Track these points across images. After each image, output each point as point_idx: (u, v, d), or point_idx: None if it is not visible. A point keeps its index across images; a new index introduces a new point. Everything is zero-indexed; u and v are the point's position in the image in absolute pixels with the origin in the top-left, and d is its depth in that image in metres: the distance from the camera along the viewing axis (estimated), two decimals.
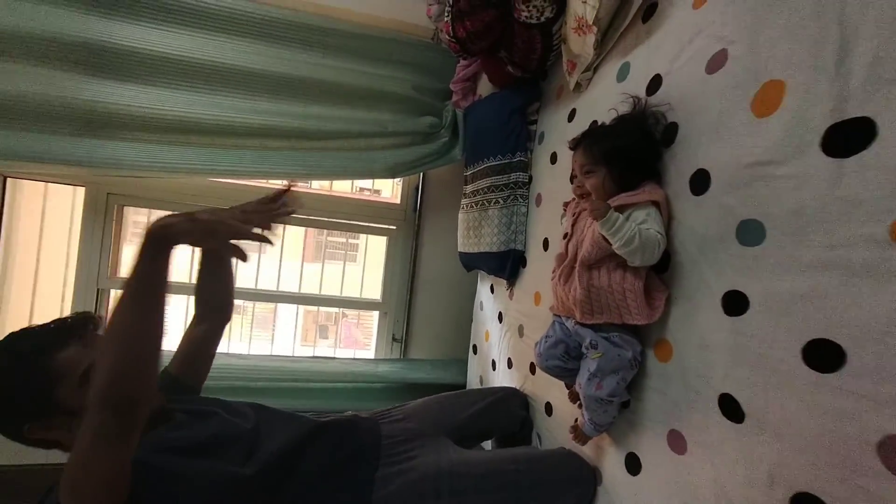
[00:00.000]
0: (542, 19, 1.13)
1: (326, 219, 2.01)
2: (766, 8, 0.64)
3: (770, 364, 0.59)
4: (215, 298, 1.01)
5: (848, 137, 0.53)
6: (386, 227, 2.07)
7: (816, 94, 0.56)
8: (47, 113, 1.49)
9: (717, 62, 0.72)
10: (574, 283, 0.87)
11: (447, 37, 1.40)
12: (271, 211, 0.82)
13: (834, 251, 0.53)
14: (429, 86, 1.91)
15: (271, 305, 2.47)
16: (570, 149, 0.94)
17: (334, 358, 1.95)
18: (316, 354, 2.10)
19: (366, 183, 2.17)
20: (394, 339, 2.04)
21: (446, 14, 1.37)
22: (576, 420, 0.98)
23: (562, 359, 0.93)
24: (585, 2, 0.97)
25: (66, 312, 0.92)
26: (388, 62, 1.86)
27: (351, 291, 2.18)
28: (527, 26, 1.17)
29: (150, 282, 0.65)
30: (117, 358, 0.61)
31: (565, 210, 1.08)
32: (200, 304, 1.01)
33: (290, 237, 2.38)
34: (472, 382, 1.79)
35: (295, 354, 2.08)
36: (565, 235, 0.95)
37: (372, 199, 2.12)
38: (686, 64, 0.80)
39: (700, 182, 0.74)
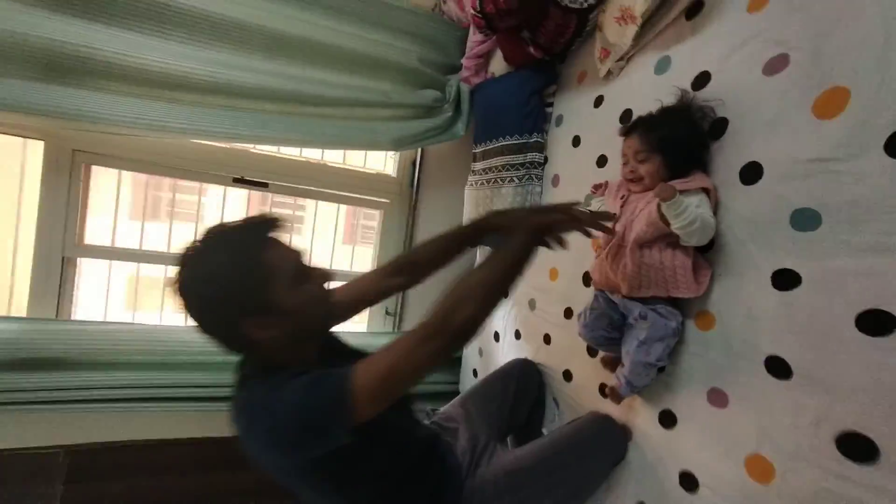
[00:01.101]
0: (586, 5, 1.16)
1: (317, 189, 1.94)
2: (833, 21, 0.73)
3: (822, 329, 0.70)
4: (435, 266, 1.09)
5: None
6: (380, 199, 2.04)
7: (882, 102, 0.66)
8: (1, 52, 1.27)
9: (776, 65, 0.81)
10: (625, 260, 0.95)
11: (472, 11, 1.39)
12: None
13: (890, 237, 0.64)
14: (433, 59, 1.87)
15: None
16: (622, 135, 1.00)
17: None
18: None
19: (357, 158, 2.10)
20: (387, 313, 2.04)
21: None
22: (605, 386, 1.09)
23: (606, 329, 1.02)
24: None
25: (19, 284, 0.83)
26: (392, 30, 1.79)
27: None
28: (566, 10, 1.20)
29: (522, 261, 0.80)
30: (484, 307, 0.73)
31: (595, 192, 1.14)
32: (424, 262, 1.09)
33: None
34: (469, 355, 1.86)
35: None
36: (614, 217, 1.01)
37: (366, 170, 2.06)
38: (740, 64, 0.88)
39: (751, 173, 0.83)
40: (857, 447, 0.65)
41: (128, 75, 1.40)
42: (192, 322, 0.76)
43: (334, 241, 2.22)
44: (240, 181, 1.78)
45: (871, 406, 0.64)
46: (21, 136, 1.54)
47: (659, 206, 0.85)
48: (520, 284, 1.54)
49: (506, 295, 0.80)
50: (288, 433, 0.69)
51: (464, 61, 1.73)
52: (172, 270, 0.75)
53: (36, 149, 1.56)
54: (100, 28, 1.38)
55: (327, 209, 2.12)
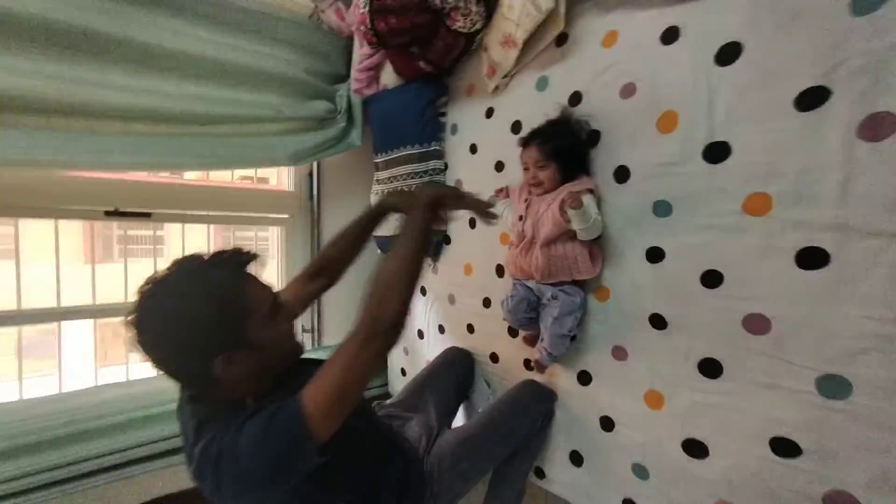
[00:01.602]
0: (472, 30, 1.30)
1: (207, 212, 1.78)
2: (661, 61, 0.98)
3: (681, 288, 0.96)
4: (348, 260, 1.14)
5: (716, 152, 0.91)
6: (278, 216, 1.96)
7: (698, 123, 0.92)
8: None
9: (628, 91, 1.05)
10: (535, 253, 1.14)
11: (364, 27, 1.43)
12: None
13: (712, 218, 0.92)
14: (318, 69, 1.85)
15: (46, 328, 1.84)
16: (520, 146, 1.17)
17: None
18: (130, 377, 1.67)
19: (247, 172, 1.97)
20: (304, 330, 2.00)
21: (363, 5, 1.40)
22: (529, 361, 1.28)
23: (526, 311, 1.20)
24: (518, 24, 1.19)
25: None
26: (273, 40, 1.72)
27: None
28: (455, 33, 1.33)
29: (426, 237, 0.84)
30: (406, 293, 0.77)
31: (497, 195, 1.32)
32: (335, 259, 1.13)
33: (65, 234, 1.82)
34: (394, 356, 1.93)
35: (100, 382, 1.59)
36: (520, 217, 1.19)
37: (261, 187, 1.95)
38: (602, 88, 1.11)
39: (622, 174, 1.07)
40: (710, 368, 0.93)
41: None
42: (149, 358, 0.72)
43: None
44: (114, 214, 1.54)
45: (716, 337, 0.92)
46: None
47: (562, 209, 1.05)
48: (437, 283, 1.68)
49: (420, 272, 0.81)
50: (255, 476, 0.69)
51: (354, 73, 1.76)
52: (131, 306, 0.71)
53: None
54: None
55: (197, 228, 1.93)
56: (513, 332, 1.39)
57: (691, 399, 0.96)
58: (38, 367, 2.57)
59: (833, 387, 0.78)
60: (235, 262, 0.77)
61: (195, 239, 1.98)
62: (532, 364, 1.26)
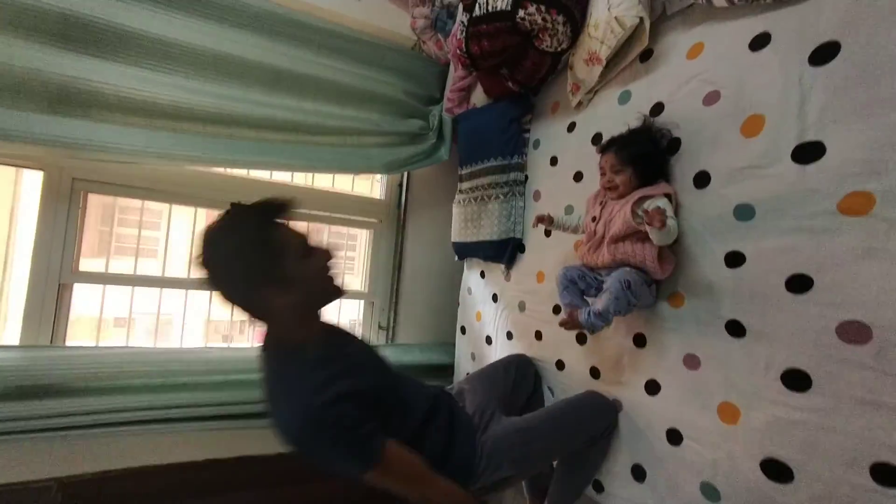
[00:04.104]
0: (559, 49, 1.40)
1: (310, 211, 2.04)
2: (748, 68, 0.99)
3: (763, 293, 0.92)
4: None
5: (807, 152, 0.88)
6: (368, 220, 2.17)
7: (787, 124, 0.90)
8: (13, 86, 1.33)
9: (712, 98, 1.06)
10: (602, 251, 1.16)
11: (459, 51, 1.61)
12: None
13: (801, 220, 0.87)
14: (415, 91, 2.08)
15: (168, 319, 2.24)
16: (599, 152, 1.21)
17: None
18: None
19: (345, 183, 2.23)
20: (380, 327, 2.14)
21: (460, 32, 1.57)
22: (596, 369, 1.26)
23: (576, 282, 1.21)
24: (602, 42, 1.26)
25: (8, 311, 0.84)
26: (379, 66, 1.98)
27: None
28: (543, 53, 1.44)
29: None
30: None
31: (536, 223, 1.36)
32: None
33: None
34: (462, 360, 1.98)
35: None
36: (594, 218, 1.22)
37: (354, 193, 2.19)
38: (684, 97, 1.13)
39: (702, 179, 1.06)
40: (796, 380, 0.86)
41: (136, 108, 1.49)
42: (215, 292, 0.87)
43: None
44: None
45: (803, 346, 0.85)
46: (18, 167, 1.55)
47: (634, 210, 1.06)
48: (508, 290, 1.73)
49: None
50: (315, 457, 0.84)
51: (447, 94, 1.94)
52: (196, 247, 0.87)
53: (30, 178, 1.57)
54: (110, 64, 1.46)
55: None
56: (581, 339, 1.38)
57: (773, 414, 0.89)
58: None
59: None
60: (270, 208, 0.89)
61: None
62: (561, 321, 1.20)
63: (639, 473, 1.14)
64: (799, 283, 0.87)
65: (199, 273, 0.85)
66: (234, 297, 0.87)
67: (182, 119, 1.56)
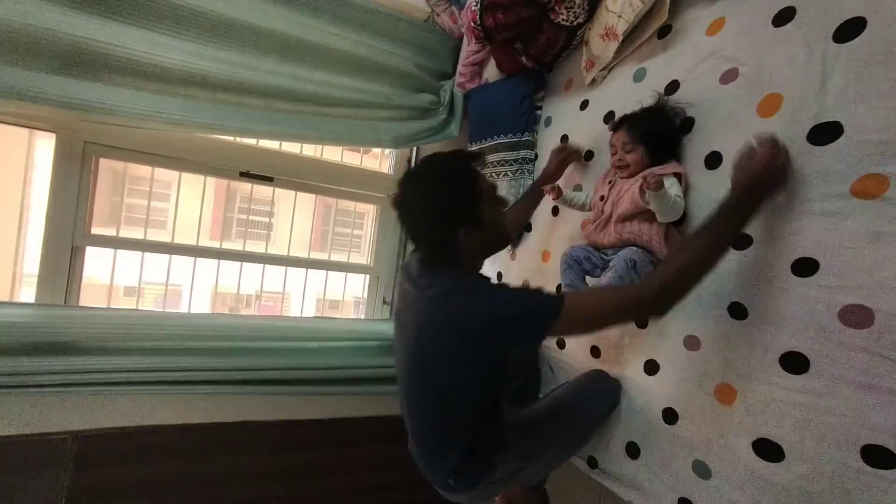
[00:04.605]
0: (575, 23, 1.37)
1: (318, 183, 2.05)
2: (769, 44, 0.96)
3: (768, 276, 0.91)
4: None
5: (824, 133, 0.86)
6: (376, 194, 2.17)
7: (806, 104, 0.88)
8: (25, 45, 1.33)
9: (729, 77, 1.03)
10: (609, 230, 1.15)
11: (473, 24, 1.57)
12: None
13: (812, 203, 0.86)
14: (427, 65, 2.04)
15: (176, 290, 2.28)
16: (611, 130, 1.20)
17: (335, 318, 2.02)
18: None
19: (353, 158, 2.23)
20: (384, 302, 2.16)
21: (475, 4, 1.54)
22: (597, 349, 1.27)
23: (580, 262, 1.22)
24: (620, 16, 1.23)
25: (24, 271, 0.89)
26: (392, 38, 1.95)
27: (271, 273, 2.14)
28: (558, 26, 1.40)
29: (741, 228, 0.90)
30: (695, 286, 0.88)
31: (546, 192, 1.36)
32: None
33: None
34: None
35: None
36: (602, 197, 1.21)
37: (362, 167, 2.19)
38: (701, 75, 1.10)
39: (713, 160, 1.05)
40: (794, 362, 0.86)
41: (147, 72, 1.49)
42: (407, 230, 1.00)
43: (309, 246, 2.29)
44: (246, 175, 1.86)
45: (803, 329, 0.85)
46: (31, 128, 1.57)
47: (642, 189, 1.05)
48: (513, 269, 1.73)
49: (715, 267, 0.89)
50: (506, 324, 0.89)
51: (460, 68, 1.91)
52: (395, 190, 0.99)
53: (43, 140, 1.59)
54: (123, 27, 1.46)
55: (299, 216, 2.19)
56: None
57: (769, 395, 0.89)
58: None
59: None
60: (468, 157, 1.01)
61: (301, 222, 2.26)
62: None
63: (633, 451, 1.15)
64: (805, 267, 0.86)
65: (395, 209, 0.98)
66: (429, 233, 0.97)
67: (193, 85, 1.56)
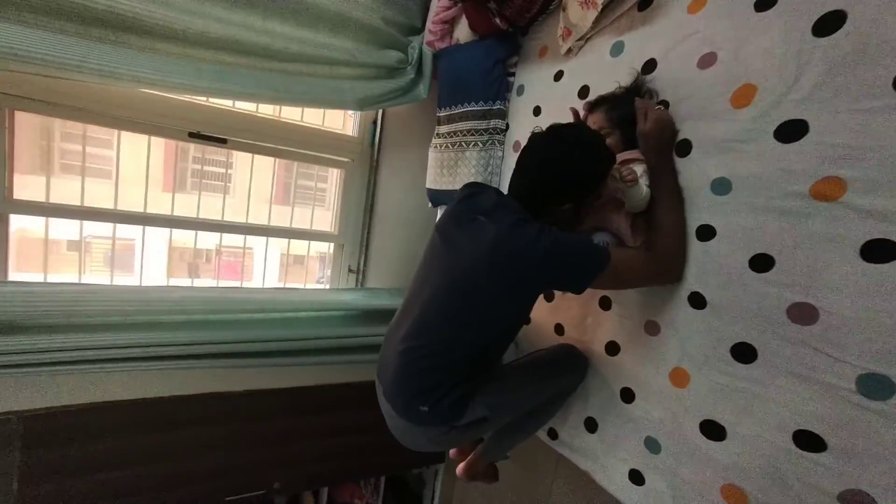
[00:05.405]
0: None
1: (276, 146, 1.91)
2: (750, 30, 0.93)
3: (728, 269, 0.94)
4: None
5: (791, 130, 0.86)
6: (340, 158, 2.06)
7: (777, 98, 0.87)
8: None
9: (707, 61, 1.00)
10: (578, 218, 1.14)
11: None
12: None
13: (773, 201, 0.88)
14: (395, 19, 1.87)
15: (128, 244, 2.12)
16: (586, 110, 1.16)
17: (298, 288, 1.96)
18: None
19: (314, 118, 2.07)
20: (350, 271, 2.12)
21: None
22: (561, 326, 1.30)
23: None
24: None
25: None
26: None
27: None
28: None
29: (675, 181, 1.04)
30: (682, 244, 1.01)
31: None
32: None
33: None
34: None
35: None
36: None
37: (325, 128, 2.04)
38: (680, 56, 1.06)
39: (683, 148, 1.04)
40: (743, 352, 0.91)
41: (68, 10, 1.28)
42: (527, 176, 1.04)
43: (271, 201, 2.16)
44: (195, 136, 1.70)
45: (754, 322, 0.90)
46: None
47: (612, 176, 1.04)
48: None
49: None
50: (563, 259, 0.96)
51: (429, 25, 1.77)
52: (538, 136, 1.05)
53: None
54: None
55: (259, 166, 2.05)
56: (548, 296, 1.41)
57: (718, 381, 0.95)
58: (120, 277, 2.92)
59: (875, 386, 0.75)
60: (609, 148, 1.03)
61: (260, 174, 2.12)
62: None
63: (591, 425, 1.22)
64: (762, 262, 0.89)
65: (535, 151, 1.04)
66: (552, 190, 1.01)
67: (125, 30, 1.36)
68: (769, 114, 0.89)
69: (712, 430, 0.96)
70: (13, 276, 1.59)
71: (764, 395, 0.88)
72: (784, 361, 0.86)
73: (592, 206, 1.10)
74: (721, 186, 0.96)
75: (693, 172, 1.02)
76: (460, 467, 1.39)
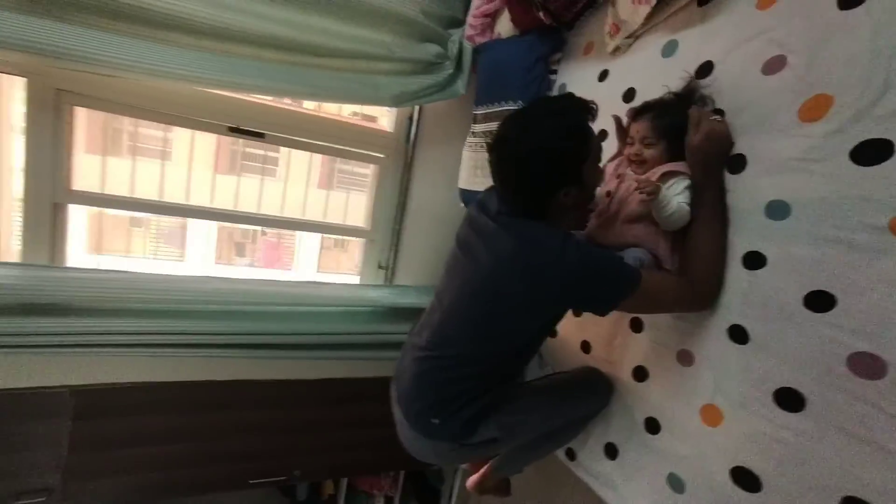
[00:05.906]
0: None
1: (312, 141, 1.92)
2: (831, 32, 0.80)
3: (777, 304, 0.84)
4: None
5: (871, 151, 0.74)
6: (374, 154, 2.05)
7: (858, 113, 0.75)
8: None
9: (774, 66, 0.88)
10: (614, 230, 1.06)
11: None
12: None
13: (842, 231, 0.76)
14: (435, 11, 1.81)
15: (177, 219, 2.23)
16: (630, 117, 1.06)
17: (329, 283, 1.99)
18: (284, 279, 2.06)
19: (354, 109, 2.07)
20: (379, 267, 2.12)
21: None
22: (587, 343, 1.22)
23: None
24: None
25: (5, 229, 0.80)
26: None
27: (271, 209, 2.07)
28: None
29: (721, 201, 0.93)
30: (720, 259, 0.91)
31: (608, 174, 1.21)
32: None
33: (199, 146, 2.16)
34: None
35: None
36: (608, 193, 1.10)
37: (362, 123, 2.04)
38: (742, 59, 0.94)
39: (737, 164, 0.93)
40: (789, 399, 0.81)
41: (119, 13, 1.33)
42: (504, 178, 0.92)
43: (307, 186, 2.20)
44: (235, 130, 1.74)
45: (806, 368, 0.79)
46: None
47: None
48: None
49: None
50: (592, 281, 0.88)
51: (469, 19, 1.70)
52: (495, 133, 0.91)
53: (19, 86, 1.47)
54: None
55: (302, 153, 2.07)
56: (576, 311, 1.34)
57: (755, 426, 0.86)
58: (169, 252, 3.13)
59: None
60: (587, 108, 0.89)
61: (300, 165, 2.17)
62: None
63: (611, 451, 1.16)
64: (820, 301, 0.78)
65: (489, 156, 0.91)
66: (530, 187, 0.90)
67: (174, 29, 1.40)
68: (846, 130, 0.77)
69: (745, 478, 0.87)
70: (87, 255, 1.71)
71: (810, 450, 0.78)
72: (837, 416, 0.75)
73: (590, 197, 1.01)
74: (778, 210, 0.85)
75: (745, 192, 0.91)
76: (471, 481, 1.37)
